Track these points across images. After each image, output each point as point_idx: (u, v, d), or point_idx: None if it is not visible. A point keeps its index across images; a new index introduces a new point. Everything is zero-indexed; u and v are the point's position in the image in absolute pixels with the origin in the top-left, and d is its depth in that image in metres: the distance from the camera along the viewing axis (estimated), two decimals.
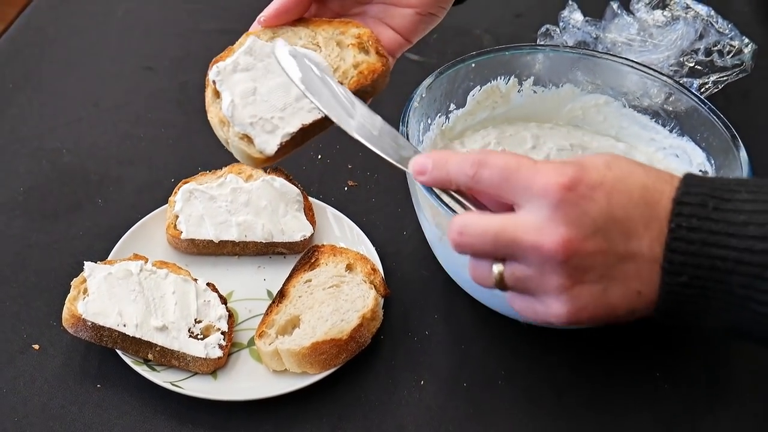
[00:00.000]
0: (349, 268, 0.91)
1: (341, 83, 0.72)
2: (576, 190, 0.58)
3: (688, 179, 0.60)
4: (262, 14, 0.74)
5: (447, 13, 0.81)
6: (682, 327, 0.60)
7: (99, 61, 1.24)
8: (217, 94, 0.72)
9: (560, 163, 0.60)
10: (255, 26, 0.76)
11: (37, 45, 1.26)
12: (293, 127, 0.71)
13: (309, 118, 0.71)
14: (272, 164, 0.72)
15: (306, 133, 0.71)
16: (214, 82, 0.72)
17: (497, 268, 0.61)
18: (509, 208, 0.62)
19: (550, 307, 0.60)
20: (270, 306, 0.88)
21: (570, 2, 1.21)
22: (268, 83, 0.71)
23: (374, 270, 0.90)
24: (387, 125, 0.70)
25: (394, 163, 0.67)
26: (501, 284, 0.62)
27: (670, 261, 0.58)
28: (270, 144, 0.70)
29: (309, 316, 0.86)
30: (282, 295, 0.89)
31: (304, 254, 0.93)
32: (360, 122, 0.69)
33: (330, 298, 0.88)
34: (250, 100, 0.71)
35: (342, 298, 0.88)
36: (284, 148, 0.70)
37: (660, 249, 0.58)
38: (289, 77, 0.70)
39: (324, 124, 0.72)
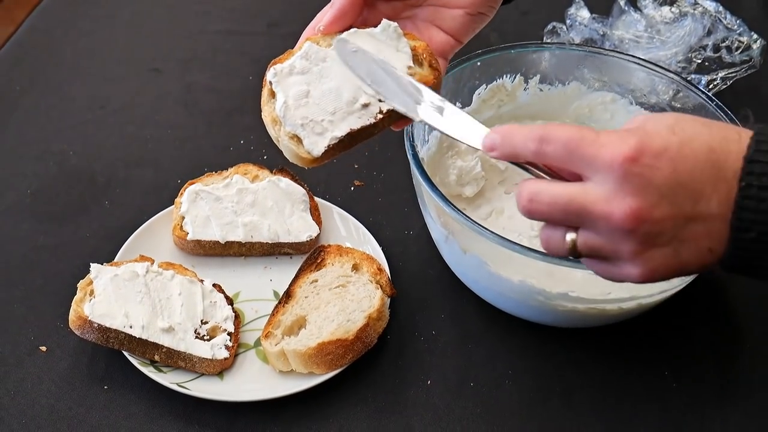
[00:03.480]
0: (356, 268, 0.91)
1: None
2: (640, 161, 0.59)
3: (760, 135, 0.60)
4: (320, 23, 0.75)
5: None
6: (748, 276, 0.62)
7: (105, 63, 1.25)
8: (272, 95, 0.74)
9: (623, 132, 0.61)
10: (309, 32, 0.77)
11: (44, 47, 1.27)
12: (341, 131, 0.73)
13: (357, 124, 0.73)
14: (320, 164, 0.74)
15: (354, 138, 0.74)
16: (270, 82, 0.74)
17: (570, 236, 0.63)
18: (578, 176, 0.63)
19: (625, 270, 0.62)
20: (276, 306, 0.88)
21: None
22: (321, 87, 0.74)
23: (380, 270, 0.90)
24: (456, 109, 0.70)
25: (464, 142, 0.68)
26: (574, 252, 0.63)
27: (739, 218, 0.59)
28: (318, 145, 0.72)
29: (315, 316, 0.86)
30: (288, 295, 0.89)
31: (311, 254, 0.93)
32: (426, 108, 0.70)
33: (336, 299, 0.88)
34: (302, 102, 0.73)
35: (348, 298, 0.88)
36: (331, 150, 0.73)
37: (729, 207, 0.59)
38: (352, 69, 0.72)
39: (372, 129, 0.74)
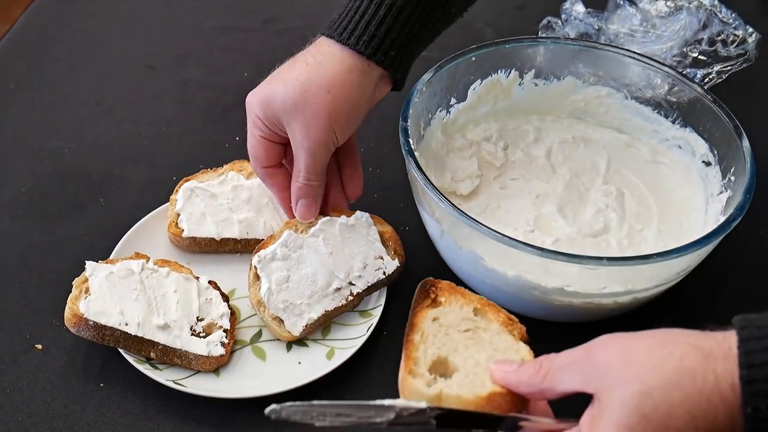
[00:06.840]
0: (477, 312, 0.79)
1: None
2: None
3: (748, 375, 0.55)
4: (296, 214, 0.89)
5: None
6: None
7: (100, 60, 1.25)
8: (257, 277, 0.87)
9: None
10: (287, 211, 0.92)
11: (39, 44, 1.27)
12: (317, 313, 0.86)
13: (331, 306, 0.86)
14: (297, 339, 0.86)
15: (328, 317, 0.87)
16: (255, 267, 0.87)
17: None
18: None
19: None
20: (406, 338, 0.76)
21: None
22: (299, 272, 0.87)
23: (510, 319, 0.79)
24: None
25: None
26: None
27: None
28: (297, 326, 0.85)
29: (459, 359, 0.74)
30: (412, 327, 0.77)
31: (421, 288, 0.81)
32: None
33: (474, 344, 0.76)
34: (283, 287, 0.86)
35: (492, 347, 0.76)
36: (308, 328, 0.85)
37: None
38: None
39: (344, 309, 0.87)
